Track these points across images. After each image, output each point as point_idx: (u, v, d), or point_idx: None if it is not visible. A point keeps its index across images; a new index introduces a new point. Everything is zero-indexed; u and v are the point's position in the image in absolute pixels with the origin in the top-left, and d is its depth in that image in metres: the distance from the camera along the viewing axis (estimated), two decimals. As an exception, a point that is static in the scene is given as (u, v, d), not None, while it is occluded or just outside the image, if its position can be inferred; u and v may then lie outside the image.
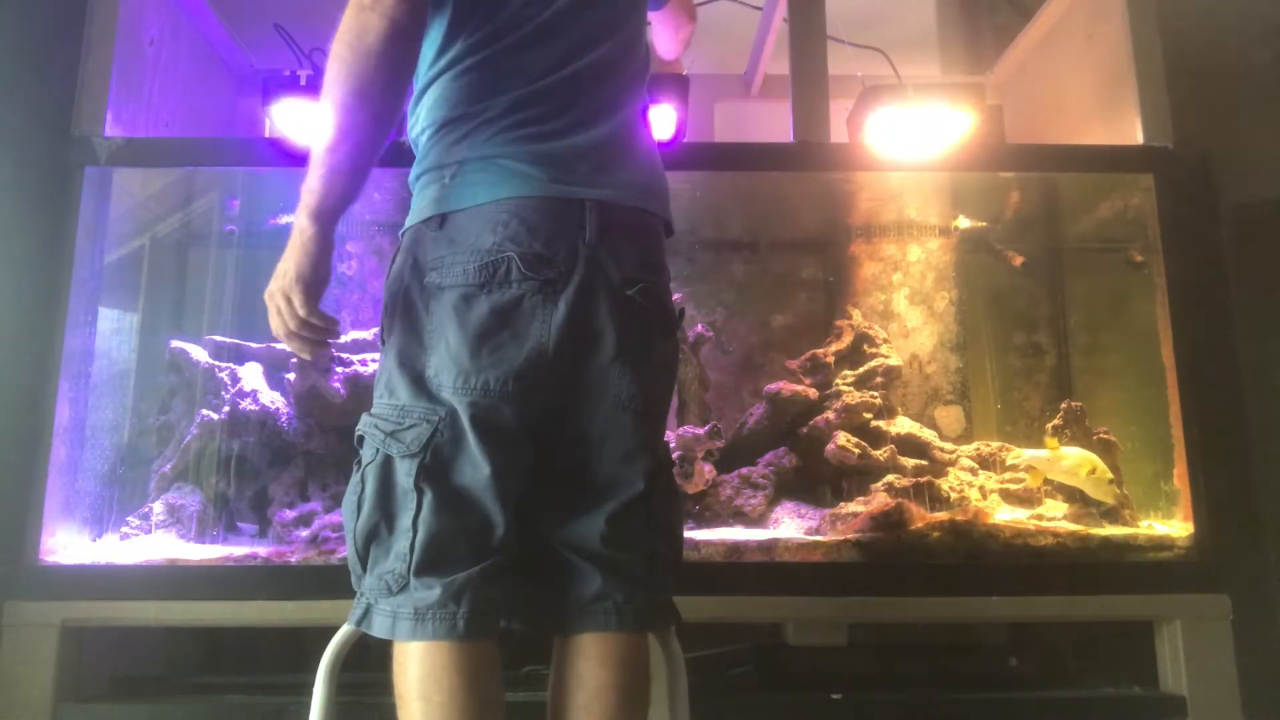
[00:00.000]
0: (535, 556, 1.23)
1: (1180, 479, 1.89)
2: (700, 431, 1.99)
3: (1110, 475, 1.93)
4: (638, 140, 1.30)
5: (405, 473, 1.14)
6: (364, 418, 1.21)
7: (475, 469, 1.15)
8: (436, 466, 1.14)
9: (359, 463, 1.20)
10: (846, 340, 2.26)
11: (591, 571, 1.20)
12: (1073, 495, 2.02)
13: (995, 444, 2.20)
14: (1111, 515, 1.95)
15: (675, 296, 2.18)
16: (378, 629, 1.15)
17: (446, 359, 1.15)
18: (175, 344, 2.11)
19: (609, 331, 1.18)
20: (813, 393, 2.16)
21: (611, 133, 1.24)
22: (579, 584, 1.21)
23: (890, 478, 1.99)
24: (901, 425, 2.15)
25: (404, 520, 1.14)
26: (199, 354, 2.11)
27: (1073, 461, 1.96)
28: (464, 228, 1.17)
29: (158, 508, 1.95)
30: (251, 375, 2.10)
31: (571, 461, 1.22)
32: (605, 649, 1.18)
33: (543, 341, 1.15)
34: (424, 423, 1.15)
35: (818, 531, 1.91)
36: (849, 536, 1.84)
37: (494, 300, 1.15)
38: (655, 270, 1.25)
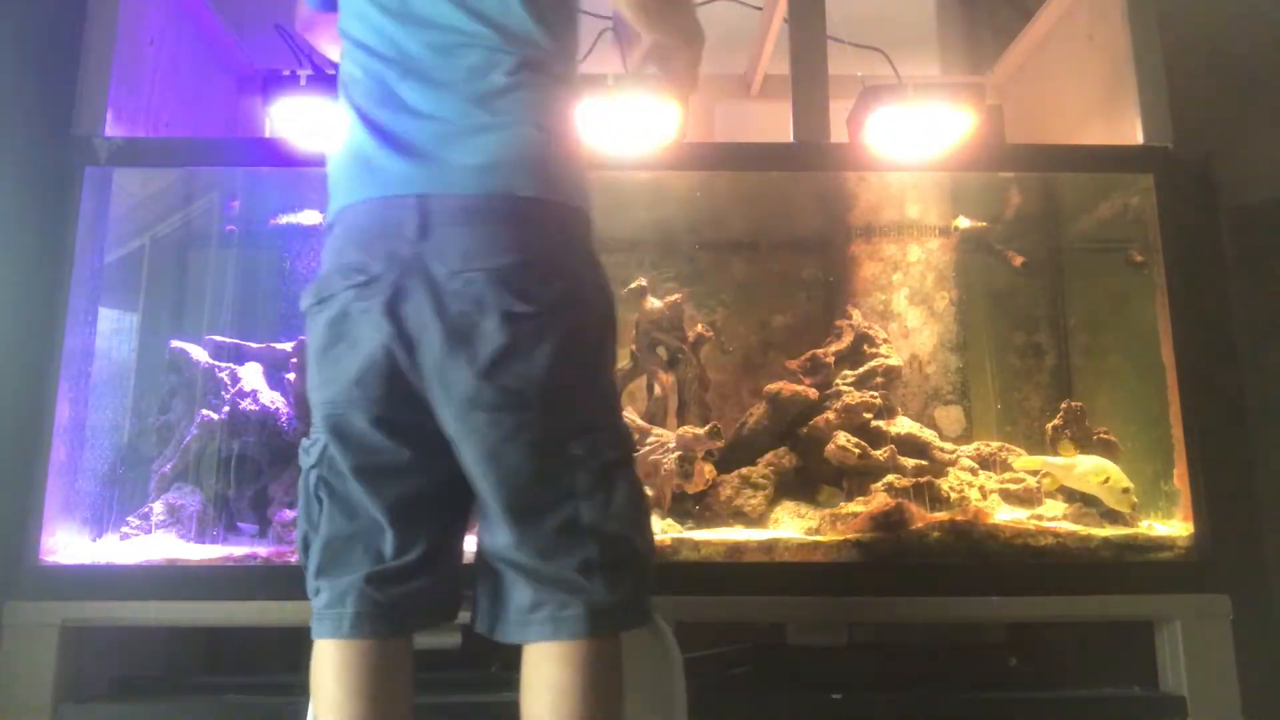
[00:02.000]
0: (482, 564, 1.23)
1: (1180, 479, 1.88)
2: (700, 431, 1.99)
3: (1126, 483, 1.91)
4: (487, 117, 1.20)
5: (312, 482, 1.23)
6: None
7: (343, 477, 1.20)
8: (331, 475, 1.21)
9: None
10: (846, 340, 2.26)
11: (521, 581, 1.19)
12: (1072, 495, 2.02)
13: (995, 444, 2.20)
14: (1112, 515, 1.95)
15: (675, 297, 2.20)
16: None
17: (310, 377, 1.23)
18: (175, 344, 2.11)
19: (434, 329, 1.13)
20: (813, 393, 2.16)
21: (447, 116, 1.19)
22: (514, 593, 1.19)
23: (890, 478, 1.99)
24: (901, 425, 2.15)
25: (314, 527, 1.23)
26: (199, 354, 2.11)
27: (1085, 469, 1.96)
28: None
29: (158, 508, 1.95)
30: (251, 375, 2.10)
31: (463, 469, 1.19)
32: (553, 658, 1.15)
33: (374, 347, 1.15)
34: (319, 435, 1.23)
35: (818, 531, 1.91)
36: (849, 536, 1.84)
37: (326, 315, 1.20)
38: (497, 254, 1.13)
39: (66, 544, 1.84)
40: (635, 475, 1.24)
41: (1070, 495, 2.02)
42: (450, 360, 1.13)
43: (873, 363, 2.21)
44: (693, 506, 2.04)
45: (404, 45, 1.21)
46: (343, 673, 1.18)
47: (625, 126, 2.13)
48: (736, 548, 1.82)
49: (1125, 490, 1.91)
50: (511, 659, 1.22)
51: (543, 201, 1.18)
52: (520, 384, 1.13)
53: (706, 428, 2.00)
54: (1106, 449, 2.03)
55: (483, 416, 1.14)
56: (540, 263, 1.15)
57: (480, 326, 1.12)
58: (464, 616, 1.29)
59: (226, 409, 2.04)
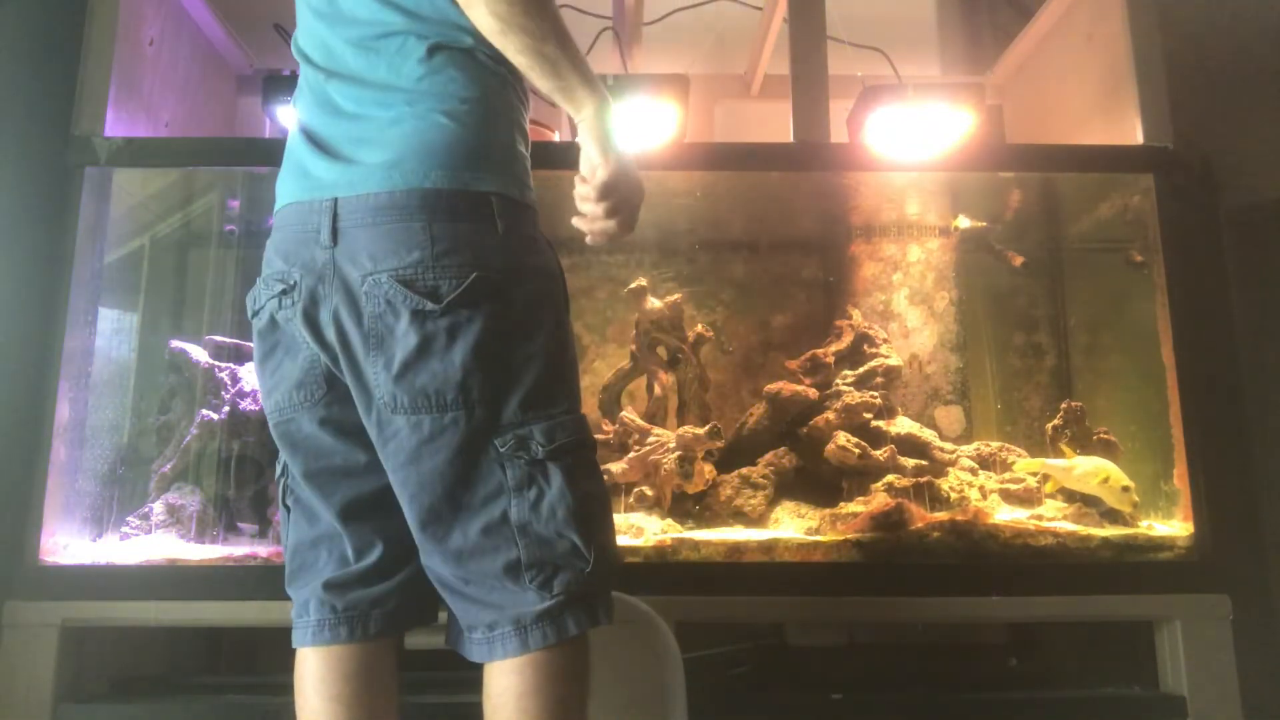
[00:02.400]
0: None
1: (1180, 479, 1.88)
2: (700, 431, 1.99)
3: (1126, 482, 1.91)
4: (402, 108, 1.16)
5: (281, 492, 1.26)
6: None
7: (299, 484, 1.22)
8: (294, 483, 1.24)
9: None
10: (846, 340, 2.26)
11: (450, 599, 1.17)
12: (1072, 496, 2.02)
13: (995, 444, 2.20)
14: (1112, 515, 1.95)
15: (675, 297, 2.20)
16: None
17: (260, 386, 1.26)
18: (175, 344, 2.11)
19: (354, 334, 1.12)
20: (813, 393, 2.16)
21: (370, 113, 1.17)
22: (453, 612, 1.18)
23: (890, 478, 1.99)
24: (901, 425, 2.15)
25: (286, 536, 1.26)
26: (199, 354, 2.11)
27: (1084, 470, 1.96)
28: None
29: (158, 508, 1.95)
30: (251, 375, 2.10)
31: (391, 479, 1.17)
32: (496, 674, 1.13)
33: (309, 351, 1.16)
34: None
35: (818, 531, 1.91)
36: (849, 536, 1.84)
37: (259, 325, 1.22)
38: (403, 252, 1.10)
39: (66, 544, 1.84)
40: (584, 465, 1.17)
41: (1071, 496, 2.02)
42: (369, 365, 1.12)
43: (873, 363, 2.21)
44: (693, 506, 2.04)
45: (333, 47, 1.21)
46: (320, 680, 1.20)
47: (625, 126, 2.13)
48: (736, 548, 1.82)
49: (1125, 489, 1.91)
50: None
51: (453, 192, 1.13)
52: (438, 384, 1.10)
53: (706, 428, 2.00)
54: (1106, 449, 2.03)
55: (401, 420, 1.11)
56: (451, 255, 1.11)
57: (394, 329, 1.10)
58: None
59: (226, 409, 2.04)
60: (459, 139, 1.14)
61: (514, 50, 1.13)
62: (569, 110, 1.18)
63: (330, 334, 1.13)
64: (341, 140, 1.16)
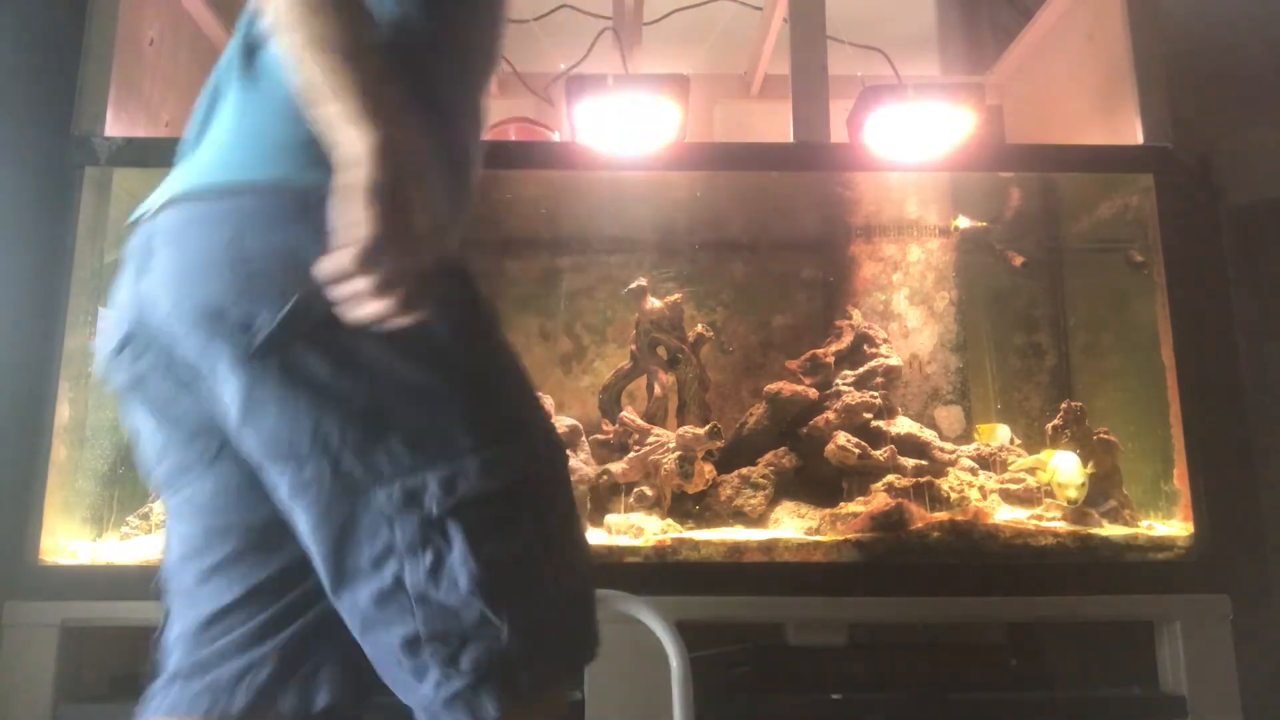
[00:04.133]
0: None
1: (1180, 479, 1.88)
2: (700, 431, 1.99)
3: (1065, 480, 1.93)
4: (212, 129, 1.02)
5: None
6: None
7: None
8: None
9: None
10: (846, 340, 2.26)
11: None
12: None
13: (995, 444, 2.20)
14: (1112, 515, 1.95)
15: (675, 297, 2.20)
16: None
17: None
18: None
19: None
20: (813, 393, 2.16)
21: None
22: None
23: (890, 478, 1.99)
24: (901, 425, 2.15)
25: None
26: (199, 354, 2.10)
27: (1051, 464, 1.99)
28: None
29: (158, 508, 1.95)
30: (251, 375, 2.10)
31: None
32: None
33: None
34: None
35: (818, 531, 1.91)
36: (849, 536, 1.84)
37: None
38: (217, 274, 0.89)
39: (66, 544, 1.84)
40: (498, 520, 0.89)
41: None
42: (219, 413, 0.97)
43: (873, 363, 2.21)
44: (693, 506, 2.04)
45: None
46: None
47: (625, 126, 2.13)
48: (736, 548, 1.82)
49: (1061, 485, 1.93)
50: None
51: (269, 187, 0.95)
52: (287, 433, 0.88)
53: (706, 428, 2.00)
54: (1106, 449, 2.03)
55: (267, 474, 0.91)
56: (265, 275, 0.89)
57: (216, 372, 0.93)
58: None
59: (226, 409, 2.03)
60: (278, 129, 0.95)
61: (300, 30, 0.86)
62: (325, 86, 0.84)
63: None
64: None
